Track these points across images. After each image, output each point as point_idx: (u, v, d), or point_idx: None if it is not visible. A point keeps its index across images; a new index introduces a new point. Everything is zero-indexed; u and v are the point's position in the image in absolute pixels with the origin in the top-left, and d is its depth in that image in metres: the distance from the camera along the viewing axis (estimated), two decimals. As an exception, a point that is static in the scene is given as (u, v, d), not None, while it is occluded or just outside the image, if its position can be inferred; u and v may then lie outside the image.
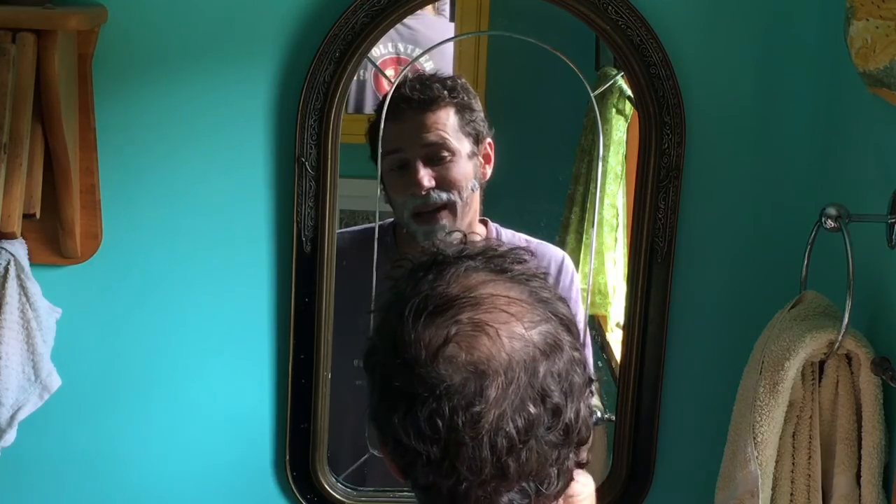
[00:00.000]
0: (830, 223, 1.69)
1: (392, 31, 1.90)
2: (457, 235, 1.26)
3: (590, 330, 2.08)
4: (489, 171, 2.03)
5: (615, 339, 2.10)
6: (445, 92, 1.98)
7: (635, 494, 2.03)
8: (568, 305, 1.21)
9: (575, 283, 2.06)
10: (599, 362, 2.14)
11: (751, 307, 1.93)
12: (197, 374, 1.97)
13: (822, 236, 1.73)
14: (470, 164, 2.00)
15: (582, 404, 1.18)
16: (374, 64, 2.01)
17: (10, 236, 1.76)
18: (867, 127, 1.79)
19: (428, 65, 2.06)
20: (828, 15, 1.85)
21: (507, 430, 1.12)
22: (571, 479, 1.22)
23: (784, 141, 1.95)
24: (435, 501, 1.18)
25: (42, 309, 1.84)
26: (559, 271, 2.04)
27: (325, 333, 1.94)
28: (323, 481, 1.99)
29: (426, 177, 1.97)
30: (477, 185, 2.01)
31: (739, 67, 1.92)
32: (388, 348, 1.17)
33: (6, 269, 1.80)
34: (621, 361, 2.00)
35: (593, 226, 2.04)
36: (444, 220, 1.98)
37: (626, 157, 2.06)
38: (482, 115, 2.02)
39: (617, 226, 2.10)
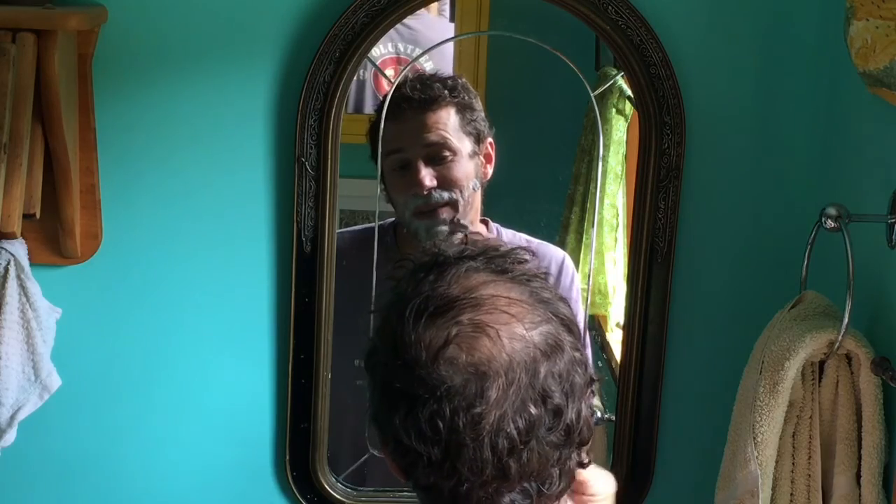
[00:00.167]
0: (830, 223, 1.69)
1: (392, 31, 1.90)
2: (458, 236, 1.26)
3: (590, 330, 2.08)
4: (490, 170, 2.03)
5: (615, 339, 2.10)
6: (446, 91, 1.98)
7: (635, 494, 2.03)
8: (569, 305, 1.21)
9: (575, 283, 2.06)
10: (599, 362, 2.14)
11: (751, 307, 1.93)
12: (197, 374, 1.97)
13: (822, 236, 1.73)
14: (471, 163, 2.00)
15: (583, 404, 1.18)
16: (374, 64, 2.01)
17: (10, 236, 1.76)
18: (867, 127, 1.79)
19: (428, 65, 2.06)
20: (828, 15, 1.85)
21: (508, 431, 1.12)
22: (574, 478, 1.22)
23: (784, 141, 1.95)
24: (436, 502, 1.18)
25: (42, 309, 1.84)
26: (560, 272, 2.04)
27: (325, 333, 1.94)
28: (323, 481, 1.99)
29: (428, 176, 1.97)
30: (478, 185, 2.01)
31: (739, 67, 1.92)
32: (388, 349, 1.16)
33: (6, 269, 1.80)
34: (621, 361, 2.00)
35: (593, 226, 2.04)
36: (446, 215, 1.98)
37: (626, 157, 2.06)
38: (483, 114, 2.01)
39: (617, 226, 2.10)
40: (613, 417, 2.01)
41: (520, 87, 2.15)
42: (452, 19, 2.12)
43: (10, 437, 1.83)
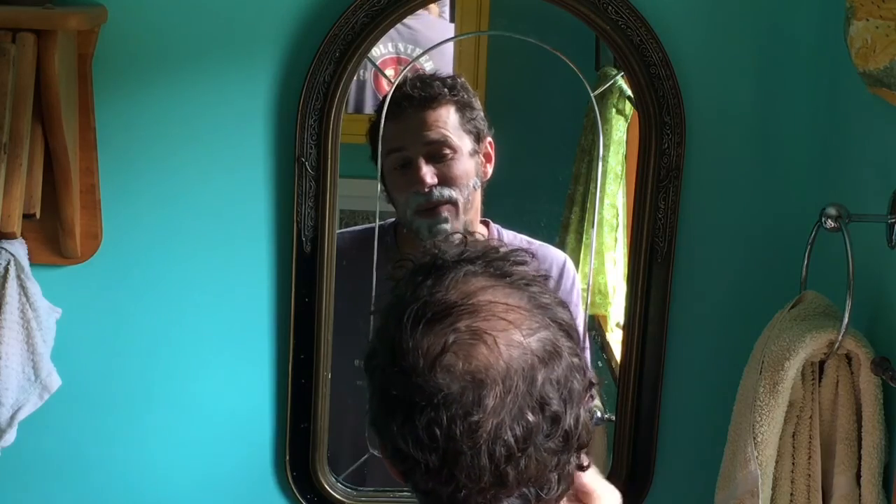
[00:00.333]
0: (830, 223, 1.69)
1: (392, 31, 1.90)
2: (457, 236, 1.25)
3: (590, 330, 2.08)
4: (490, 169, 2.03)
5: (615, 339, 2.10)
6: (446, 90, 1.98)
7: (635, 494, 2.03)
8: (569, 310, 1.21)
9: (576, 286, 2.06)
10: (599, 362, 2.14)
11: (751, 307, 1.93)
12: (197, 374, 1.97)
13: (822, 236, 1.73)
14: (471, 161, 2.00)
15: (582, 410, 1.18)
16: (374, 64, 2.01)
17: (10, 236, 1.76)
18: (867, 127, 1.79)
19: (428, 65, 2.06)
20: (828, 15, 1.85)
21: (506, 438, 1.12)
22: (573, 482, 1.22)
23: (784, 141, 1.95)
24: None
25: (42, 309, 1.84)
26: (560, 274, 2.04)
27: (325, 333, 1.94)
28: (323, 481, 1.99)
29: (429, 174, 1.97)
30: (479, 183, 2.01)
31: (739, 67, 1.92)
32: (386, 355, 1.16)
33: (6, 269, 1.80)
34: (621, 361, 2.00)
35: (593, 226, 2.04)
36: (447, 213, 1.98)
37: (626, 157, 2.06)
38: (482, 113, 2.02)
39: (617, 226, 2.10)
40: (613, 417, 2.01)
41: (520, 87, 2.15)
42: (452, 19, 2.12)
43: (10, 437, 1.83)
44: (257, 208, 1.92)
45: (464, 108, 1.99)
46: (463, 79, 2.01)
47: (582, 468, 1.23)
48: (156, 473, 2.00)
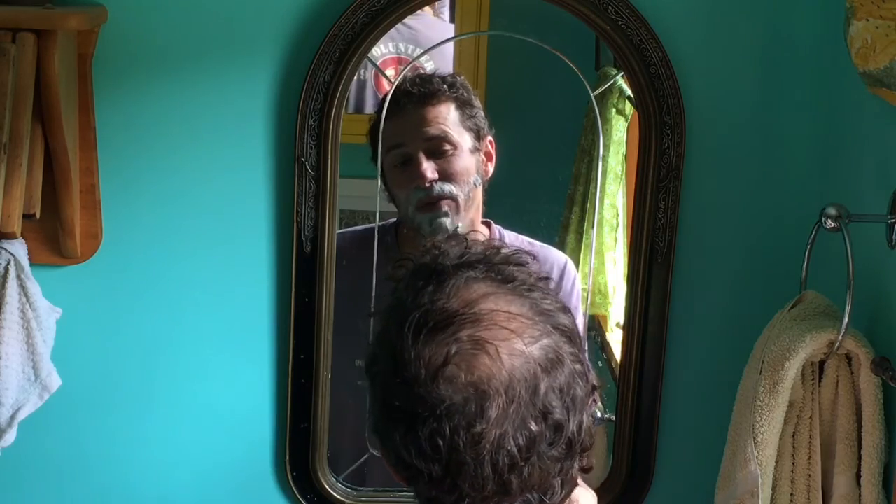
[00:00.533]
0: (830, 223, 1.69)
1: (392, 31, 1.90)
2: (457, 236, 1.24)
3: (590, 330, 2.08)
4: (491, 168, 2.03)
5: (615, 339, 2.10)
6: (445, 87, 1.98)
7: (635, 494, 2.03)
8: (571, 314, 1.20)
9: (576, 287, 2.06)
10: (599, 362, 2.14)
11: (751, 307, 1.93)
12: (197, 374, 1.97)
13: (822, 236, 1.73)
14: (472, 158, 2.00)
15: (584, 416, 1.17)
16: (374, 64, 2.01)
17: (10, 236, 1.76)
18: (867, 127, 1.79)
19: (428, 65, 2.06)
20: (828, 15, 1.85)
21: (509, 448, 1.12)
22: (576, 485, 1.22)
23: (784, 141, 1.95)
24: None
25: (42, 309, 1.84)
26: (561, 276, 2.04)
27: (325, 333, 1.94)
28: (323, 481, 1.99)
29: (429, 169, 1.97)
30: (479, 181, 2.01)
31: (739, 67, 1.92)
32: (388, 363, 1.16)
33: (6, 269, 1.80)
34: (621, 361, 2.00)
35: (593, 226, 2.04)
36: (447, 207, 1.98)
37: (626, 157, 2.06)
38: (482, 112, 2.02)
39: (617, 226, 2.10)
40: (613, 417, 2.01)
41: (520, 87, 2.15)
42: (452, 19, 2.12)
43: (10, 437, 1.83)
44: (257, 208, 1.92)
45: (464, 105, 1.99)
46: (462, 77, 2.01)
47: (585, 470, 1.22)
48: (156, 473, 2.00)
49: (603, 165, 2.00)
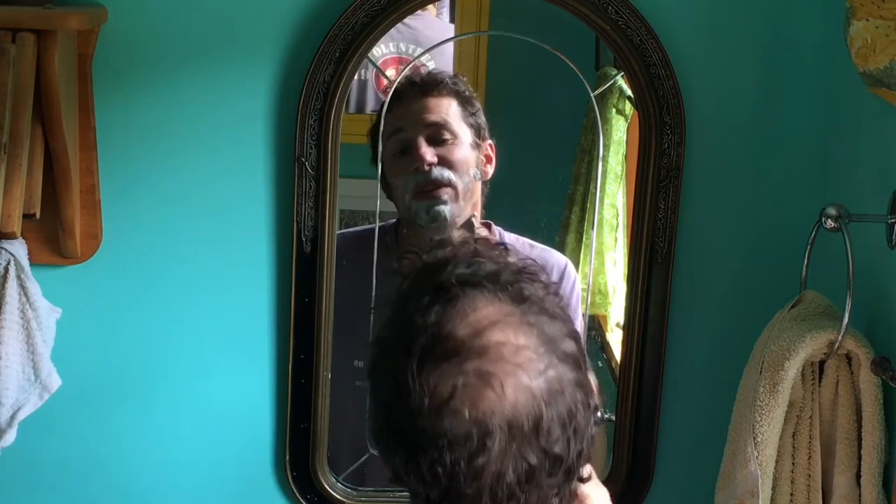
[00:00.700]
0: (830, 223, 1.69)
1: (393, 31, 1.90)
2: (467, 241, 1.23)
3: (590, 330, 2.08)
4: (491, 171, 2.03)
5: (615, 339, 2.10)
6: (447, 80, 1.99)
7: (635, 494, 2.03)
8: (578, 337, 1.19)
9: (576, 289, 2.06)
10: (599, 362, 2.14)
11: (751, 307, 1.93)
12: (197, 374, 1.97)
13: (822, 236, 1.73)
14: (472, 152, 1.99)
15: (585, 444, 1.17)
16: (374, 64, 2.01)
17: (10, 236, 1.76)
18: (867, 127, 1.79)
19: (429, 65, 2.06)
20: (828, 15, 1.85)
21: (509, 481, 1.11)
22: (576, 497, 1.22)
23: (784, 141, 1.95)
24: None
25: (42, 309, 1.84)
26: (561, 278, 2.04)
27: (325, 333, 1.94)
28: (323, 481, 1.99)
29: (429, 153, 1.96)
30: (479, 175, 2.00)
31: (739, 67, 1.92)
32: (391, 384, 1.14)
33: (6, 269, 1.80)
34: (621, 361, 2.00)
35: (593, 226, 2.04)
36: (446, 196, 1.97)
37: (626, 157, 2.06)
38: (483, 115, 2.02)
39: (617, 226, 2.10)
40: (613, 417, 2.01)
41: (520, 87, 2.15)
42: (452, 19, 2.12)
43: (10, 437, 1.83)
44: (257, 208, 1.92)
45: (465, 102, 2.00)
46: (465, 79, 2.02)
47: (583, 480, 1.22)
48: (156, 473, 2.00)
49: (603, 165, 2.00)
